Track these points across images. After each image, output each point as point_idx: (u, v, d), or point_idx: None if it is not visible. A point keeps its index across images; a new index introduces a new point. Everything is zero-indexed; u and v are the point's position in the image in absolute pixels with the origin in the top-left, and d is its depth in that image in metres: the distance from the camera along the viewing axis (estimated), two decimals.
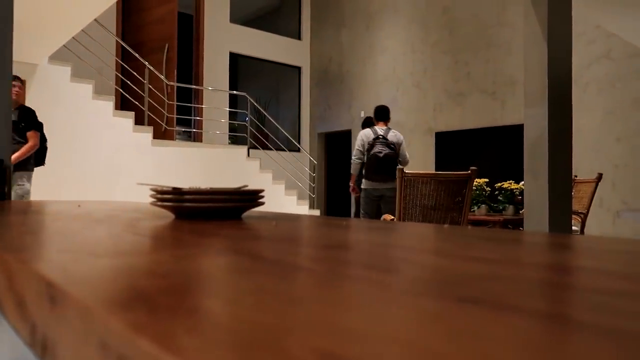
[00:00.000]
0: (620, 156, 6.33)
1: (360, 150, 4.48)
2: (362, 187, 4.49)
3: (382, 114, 4.59)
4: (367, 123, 5.11)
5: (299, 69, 10.82)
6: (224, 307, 0.23)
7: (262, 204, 0.88)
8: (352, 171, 4.61)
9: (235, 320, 0.21)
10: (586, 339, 0.19)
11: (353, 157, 4.56)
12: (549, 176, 3.33)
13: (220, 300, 0.25)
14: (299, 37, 10.82)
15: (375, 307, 0.24)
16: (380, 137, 4.40)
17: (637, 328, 0.20)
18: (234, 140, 9.24)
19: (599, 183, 4.40)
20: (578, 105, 6.22)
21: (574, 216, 4.05)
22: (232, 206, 0.83)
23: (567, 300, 0.27)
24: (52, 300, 0.27)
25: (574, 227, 3.95)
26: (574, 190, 4.15)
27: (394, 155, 4.39)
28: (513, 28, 7.40)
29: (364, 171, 4.46)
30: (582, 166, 6.22)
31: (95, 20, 4.90)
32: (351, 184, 4.87)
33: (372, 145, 4.37)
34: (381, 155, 4.32)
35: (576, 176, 4.50)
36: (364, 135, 4.48)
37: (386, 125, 4.59)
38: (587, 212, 4.33)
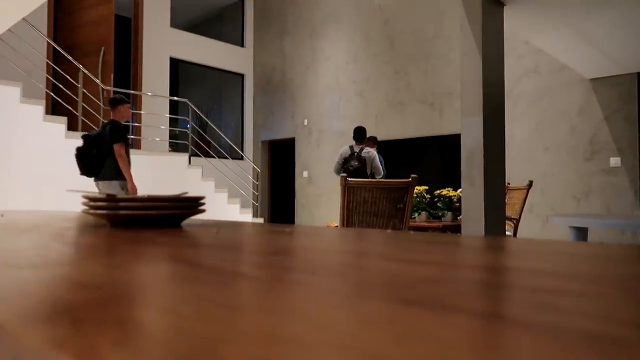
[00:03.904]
0: (548, 165, 6.73)
1: (339, 163, 5.39)
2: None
3: (357, 135, 5.49)
4: (369, 141, 6.00)
5: (242, 76, 10.73)
6: (157, 318, 0.22)
7: (203, 211, 0.85)
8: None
9: (169, 331, 0.20)
10: (527, 337, 0.19)
11: (334, 169, 5.50)
12: (485, 183, 3.48)
13: (154, 310, 0.23)
14: (242, 44, 10.73)
15: (318, 312, 0.23)
16: (355, 153, 5.34)
17: (575, 324, 0.21)
18: (175, 147, 9.01)
19: (530, 190, 4.65)
20: (510, 116, 6.57)
21: (507, 221, 4.25)
22: (171, 214, 0.80)
23: (507, 299, 0.27)
24: None
25: (507, 232, 4.14)
26: (507, 197, 4.36)
27: (362, 168, 5.25)
28: (450, 41, 7.71)
29: None
30: (514, 174, 6.56)
31: (24, 19, 4.63)
32: None
33: (346, 160, 5.33)
34: (352, 168, 5.22)
35: (509, 183, 4.72)
36: (342, 151, 5.44)
37: (362, 143, 5.48)
38: (519, 217, 4.56)
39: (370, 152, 5.37)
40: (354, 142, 5.50)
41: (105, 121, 4.28)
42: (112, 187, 4.07)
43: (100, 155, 4.08)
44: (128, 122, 4.45)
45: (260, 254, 0.47)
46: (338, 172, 5.31)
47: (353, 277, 0.33)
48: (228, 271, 0.35)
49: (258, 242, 0.62)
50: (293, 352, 0.17)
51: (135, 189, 4.13)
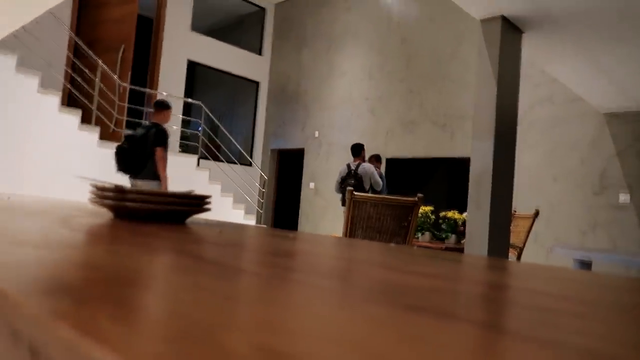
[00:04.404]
0: (556, 195, 6.69)
1: (338, 182, 5.55)
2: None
3: (354, 151, 5.65)
4: (372, 159, 6.13)
5: (257, 83, 10.81)
6: (157, 301, 0.22)
7: (208, 210, 0.85)
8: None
9: (168, 312, 0.20)
10: (526, 349, 0.19)
11: (335, 188, 5.66)
12: (491, 208, 3.46)
13: (154, 294, 0.23)
14: (259, 53, 10.83)
15: (320, 310, 0.23)
16: (352, 171, 5.46)
17: (573, 341, 0.21)
18: (185, 148, 9.05)
19: (536, 219, 4.61)
20: (521, 143, 6.55)
21: (510, 249, 4.21)
22: (176, 210, 0.80)
23: (508, 314, 0.27)
24: None
25: (510, 259, 4.10)
26: (512, 224, 4.33)
27: (359, 185, 5.37)
28: (467, 64, 7.73)
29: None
30: (521, 202, 6.52)
31: (49, 11, 4.71)
32: None
33: (344, 179, 5.45)
34: (349, 185, 5.26)
35: (515, 211, 4.69)
36: (341, 170, 5.60)
37: (359, 160, 5.58)
38: (524, 246, 4.52)
39: (366, 166, 5.49)
40: (352, 159, 5.68)
41: (148, 124, 4.46)
42: (150, 187, 4.23)
43: (144, 156, 4.29)
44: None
45: (262, 254, 0.47)
46: (339, 191, 5.45)
47: (357, 282, 0.33)
48: (228, 266, 0.35)
49: (261, 244, 0.62)
50: (295, 341, 0.17)
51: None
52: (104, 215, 0.83)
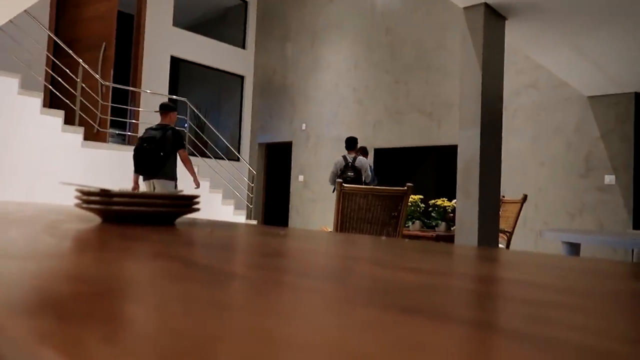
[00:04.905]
0: (543, 179, 6.76)
1: (334, 173, 5.62)
2: None
3: (349, 144, 5.79)
4: (361, 151, 6.16)
5: (242, 78, 10.74)
6: (148, 314, 0.21)
7: (197, 210, 0.84)
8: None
9: (159, 328, 0.19)
10: (520, 348, 0.19)
11: (329, 179, 5.72)
12: (480, 195, 3.48)
13: (144, 306, 0.23)
14: (243, 47, 10.75)
15: (312, 317, 0.22)
16: (349, 164, 5.60)
17: (569, 338, 0.20)
18: None
19: (524, 204, 4.66)
20: (507, 130, 6.60)
21: (500, 234, 4.25)
22: (165, 211, 0.79)
23: (499, 310, 0.27)
24: None
25: (500, 245, 4.15)
26: (501, 210, 4.37)
27: (358, 178, 5.54)
28: (451, 53, 7.75)
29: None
30: (509, 187, 6.58)
31: (26, 11, 4.62)
32: None
33: (343, 171, 5.56)
34: (349, 179, 5.43)
35: (504, 196, 4.74)
36: (337, 162, 5.68)
37: (354, 152, 5.72)
38: (513, 230, 4.56)
39: (362, 159, 5.69)
40: (346, 152, 5.77)
41: (160, 125, 4.71)
42: (168, 186, 4.51)
43: (165, 158, 4.51)
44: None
45: (253, 255, 0.46)
46: (334, 182, 5.43)
47: (348, 282, 0.33)
48: (219, 271, 0.34)
49: (252, 243, 0.61)
50: (287, 353, 0.16)
51: (199, 183, 4.80)
52: (92, 219, 0.82)
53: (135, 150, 4.60)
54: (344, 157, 5.67)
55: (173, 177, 4.62)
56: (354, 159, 5.64)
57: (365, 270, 0.39)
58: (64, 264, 0.33)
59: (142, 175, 4.63)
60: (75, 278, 0.29)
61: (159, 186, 4.54)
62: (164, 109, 4.75)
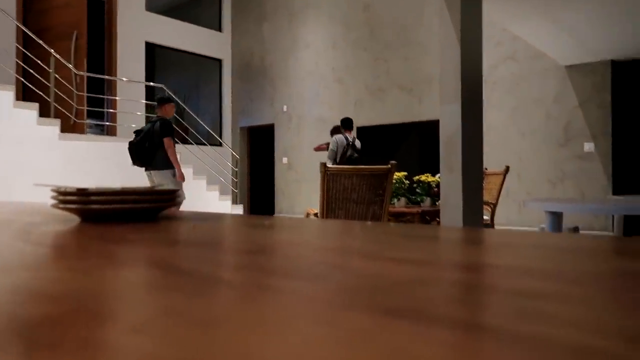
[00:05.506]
0: (524, 150, 6.83)
1: (335, 151, 5.51)
2: None
3: (347, 124, 5.73)
4: (337, 130, 5.95)
5: (219, 61, 10.57)
6: (125, 339, 0.20)
7: (177, 204, 0.83)
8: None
9: (137, 355, 0.18)
10: (510, 352, 0.18)
11: (328, 157, 5.59)
12: (463, 169, 3.51)
13: (121, 329, 0.22)
14: (219, 29, 10.55)
15: (296, 326, 0.21)
16: (351, 143, 5.56)
17: (562, 336, 0.20)
18: None
19: (507, 175, 4.71)
20: (487, 103, 6.63)
21: (484, 206, 4.30)
22: (145, 207, 0.77)
23: (487, 305, 0.26)
24: None
25: (485, 217, 4.20)
26: (484, 182, 4.41)
27: (359, 158, 5.54)
28: (430, 28, 7.71)
29: None
30: (491, 159, 6.64)
31: None
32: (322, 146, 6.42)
33: (345, 150, 5.49)
34: (353, 157, 5.46)
35: (486, 169, 4.78)
36: (339, 141, 5.55)
37: (350, 132, 5.68)
38: (497, 202, 4.62)
39: (358, 141, 5.71)
40: (342, 131, 5.68)
41: (154, 117, 4.90)
42: (165, 176, 4.69)
43: (152, 148, 4.66)
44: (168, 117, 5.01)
45: (235, 253, 0.45)
46: (334, 161, 5.45)
47: (334, 281, 0.32)
48: (202, 276, 0.33)
49: (234, 239, 0.60)
50: None
51: (184, 177, 4.79)
52: (70, 219, 0.79)
53: (129, 144, 4.80)
54: (345, 137, 5.60)
55: (168, 166, 4.73)
56: (353, 139, 5.65)
57: (350, 264, 0.38)
58: (35, 277, 0.32)
59: (139, 166, 4.82)
60: (47, 295, 0.27)
61: (157, 176, 4.74)
62: (159, 102, 4.93)
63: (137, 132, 4.85)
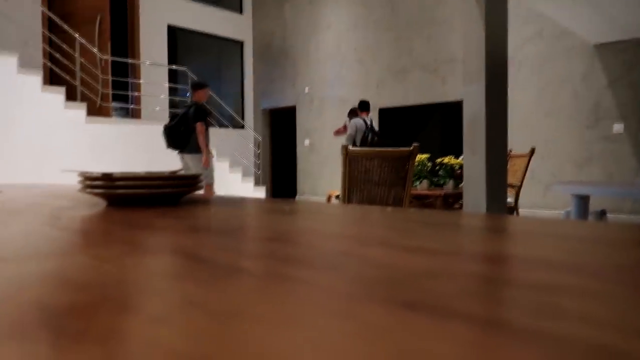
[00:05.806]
0: (550, 131, 6.68)
1: (353, 136, 5.53)
2: None
3: (365, 106, 5.78)
4: (353, 112, 6.00)
5: (241, 43, 10.55)
6: (148, 330, 0.21)
7: (200, 188, 0.84)
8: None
9: (157, 348, 0.19)
10: (532, 351, 0.18)
11: (346, 140, 5.61)
12: (487, 151, 3.45)
13: (143, 319, 0.22)
14: (240, 11, 10.51)
15: (313, 319, 0.22)
16: (370, 126, 5.60)
17: (581, 335, 0.20)
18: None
19: (532, 157, 4.62)
20: (512, 83, 6.47)
21: (508, 188, 4.24)
22: (168, 192, 0.79)
23: (506, 301, 0.26)
24: None
25: (509, 199, 4.14)
26: (509, 164, 4.34)
27: (379, 141, 5.61)
28: (453, 6, 7.53)
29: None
30: (516, 141, 6.51)
31: None
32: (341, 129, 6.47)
33: (366, 134, 5.52)
34: (374, 142, 5.48)
35: (511, 150, 4.69)
36: (358, 125, 5.60)
37: (367, 115, 5.73)
38: (521, 184, 4.54)
39: (374, 122, 5.80)
40: (359, 113, 5.73)
41: (190, 103, 4.95)
42: (197, 159, 4.83)
43: (187, 132, 4.77)
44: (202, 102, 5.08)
45: (255, 241, 0.46)
46: (353, 145, 5.47)
47: (352, 271, 0.32)
48: (223, 265, 0.34)
49: (253, 225, 0.61)
50: None
51: (209, 162, 4.88)
52: (97, 203, 0.81)
53: (163, 127, 4.92)
54: (364, 120, 5.64)
55: (200, 151, 4.85)
56: (371, 122, 5.68)
57: (368, 254, 0.38)
58: (60, 265, 0.33)
59: (173, 150, 4.95)
60: (72, 284, 0.28)
61: (190, 160, 4.89)
62: (193, 87, 5.01)
63: (172, 116, 4.97)
